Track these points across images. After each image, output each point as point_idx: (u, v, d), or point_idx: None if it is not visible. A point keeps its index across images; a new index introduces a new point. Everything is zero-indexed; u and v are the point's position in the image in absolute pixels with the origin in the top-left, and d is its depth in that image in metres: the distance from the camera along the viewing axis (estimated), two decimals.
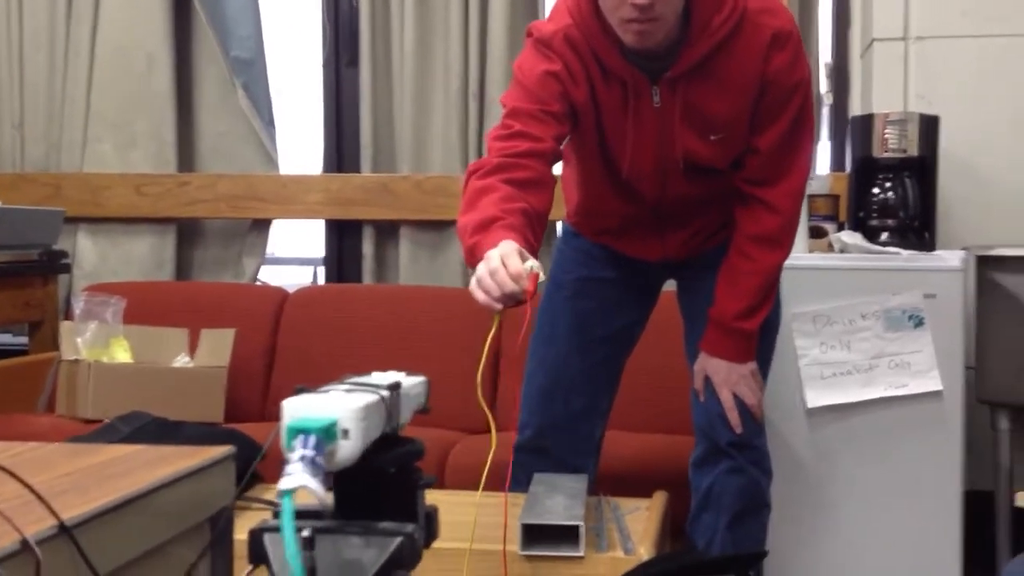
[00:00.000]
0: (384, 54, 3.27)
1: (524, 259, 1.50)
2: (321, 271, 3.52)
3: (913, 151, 2.54)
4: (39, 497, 0.81)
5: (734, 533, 1.91)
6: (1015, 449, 2.57)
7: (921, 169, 2.56)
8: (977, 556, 2.47)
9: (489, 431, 1.52)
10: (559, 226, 2.46)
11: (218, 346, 2.78)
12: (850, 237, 2.50)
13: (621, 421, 2.15)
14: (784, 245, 1.91)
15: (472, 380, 2.82)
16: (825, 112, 3.17)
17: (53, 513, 0.80)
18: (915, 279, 2.34)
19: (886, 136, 2.55)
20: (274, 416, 1.54)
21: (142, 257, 3.34)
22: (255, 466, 1.03)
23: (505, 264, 1.48)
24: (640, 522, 1.79)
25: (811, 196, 2.54)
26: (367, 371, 1.09)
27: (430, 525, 0.99)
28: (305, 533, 0.83)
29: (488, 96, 3.17)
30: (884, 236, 2.53)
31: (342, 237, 3.38)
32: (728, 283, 1.91)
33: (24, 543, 0.75)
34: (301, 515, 0.93)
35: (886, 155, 2.55)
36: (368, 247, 3.26)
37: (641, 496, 1.94)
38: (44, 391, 2.86)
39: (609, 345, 2.04)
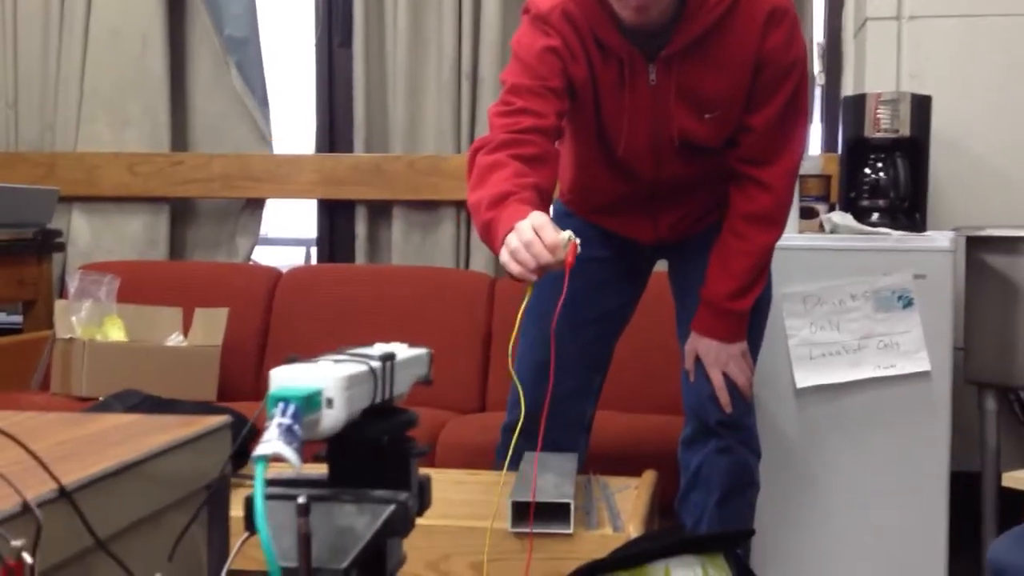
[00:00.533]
0: (377, 34, 3.27)
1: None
2: (315, 251, 3.53)
3: (905, 131, 2.54)
4: (39, 462, 0.82)
5: (722, 512, 1.92)
6: (1002, 430, 2.59)
7: (912, 149, 2.56)
8: (964, 536, 2.50)
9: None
10: (551, 206, 2.46)
11: (211, 325, 2.79)
12: (841, 218, 2.51)
13: (612, 401, 2.17)
14: (777, 224, 1.91)
15: (464, 360, 2.88)
16: (818, 92, 3.16)
17: (53, 477, 0.81)
18: (905, 260, 2.35)
19: (878, 116, 2.55)
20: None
21: (136, 236, 3.35)
22: (248, 444, 1.04)
23: (540, 236, 1.48)
24: (629, 500, 1.80)
25: (802, 177, 2.54)
26: (369, 344, 1.10)
27: (423, 494, 1.00)
28: (301, 500, 0.84)
29: (481, 76, 3.17)
30: (875, 217, 2.54)
31: (335, 217, 3.39)
32: (720, 263, 1.91)
33: (25, 506, 0.77)
34: (297, 483, 0.94)
35: (878, 135, 2.55)
36: (361, 227, 3.27)
37: (631, 475, 1.96)
38: (38, 369, 2.87)
39: (601, 325, 2.04)
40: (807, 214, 2.64)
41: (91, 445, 0.99)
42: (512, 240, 1.51)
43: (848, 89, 3.02)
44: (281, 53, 3.57)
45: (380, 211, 3.29)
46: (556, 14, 1.76)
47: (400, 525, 0.92)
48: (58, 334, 2.74)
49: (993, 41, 2.80)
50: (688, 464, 1.96)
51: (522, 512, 1.63)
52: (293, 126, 3.59)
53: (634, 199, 1.95)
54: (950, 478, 2.34)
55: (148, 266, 3.21)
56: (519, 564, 1.62)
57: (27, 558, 0.75)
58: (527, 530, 1.63)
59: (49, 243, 3.15)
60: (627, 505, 1.77)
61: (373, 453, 0.95)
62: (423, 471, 1.04)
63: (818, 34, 3.17)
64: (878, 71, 2.84)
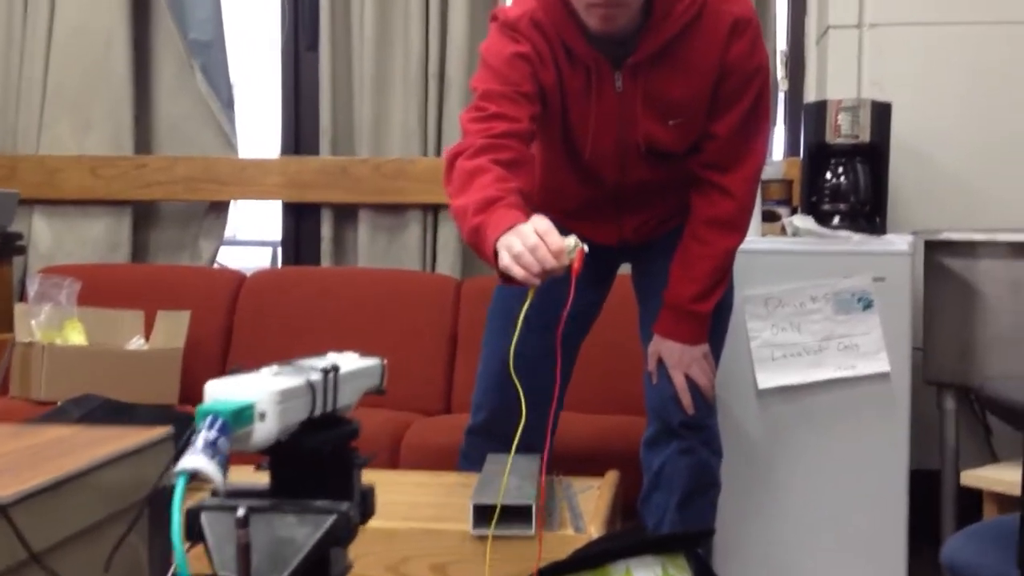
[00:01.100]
0: (344, 38, 3.26)
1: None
2: (280, 253, 3.51)
3: (865, 137, 2.58)
4: None
5: (683, 512, 1.93)
6: (961, 429, 2.63)
7: (873, 155, 2.60)
8: (923, 533, 2.52)
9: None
10: None
11: (173, 328, 2.77)
12: (802, 221, 2.54)
13: (575, 402, 2.17)
14: (739, 229, 1.93)
15: (429, 361, 2.88)
16: (781, 98, 3.20)
17: None
18: (865, 262, 2.38)
19: (838, 122, 2.58)
20: None
21: (98, 239, 3.32)
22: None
23: (545, 240, 1.48)
24: (591, 501, 1.81)
25: (765, 181, 2.57)
26: (322, 353, 1.10)
27: (366, 503, 1.00)
28: (240, 512, 0.84)
29: (448, 77, 3.17)
30: (836, 220, 2.57)
31: (300, 219, 3.37)
32: (682, 266, 1.93)
33: None
34: (240, 494, 0.95)
35: (838, 141, 2.59)
36: (327, 229, 3.26)
37: (594, 475, 1.96)
38: None
39: (566, 326, 2.05)
40: (769, 217, 2.66)
41: (29, 458, 0.99)
42: (515, 244, 1.50)
43: (811, 95, 3.05)
44: (247, 56, 3.56)
45: (346, 214, 3.28)
46: (525, 21, 1.77)
47: (342, 535, 0.93)
48: (18, 338, 2.71)
49: (952, 49, 2.85)
50: (650, 465, 1.97)
51: (484, 514, 1.64)
52: (259, 129, 3.58)
53: (599, 203, 1.97)
54: (910, 477, 2.37)
55: (110, 269, 3.18)
56: (480, 566, 1.62)
57: None
58: (488, 532, 1.63)
59: (9, 246, 3.11)
60: (589, 506, 1.78)
61: (315, 464, 0.96)
62: (382, 474, 1.04)
63: (781, 41, 3.21)
64: (840, 78, 2.88)
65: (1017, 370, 2.37)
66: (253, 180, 3.26)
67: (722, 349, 2.04)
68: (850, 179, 2.59)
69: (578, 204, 1.98)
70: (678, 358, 1.93)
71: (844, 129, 2.58)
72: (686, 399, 1.93)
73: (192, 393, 2.78)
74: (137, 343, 2.77)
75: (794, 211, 2.71)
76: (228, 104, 3.35)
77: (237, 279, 3.11)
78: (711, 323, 1.96)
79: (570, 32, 1.77)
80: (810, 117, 2.66)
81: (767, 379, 2.39)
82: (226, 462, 0.82)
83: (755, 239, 2.40)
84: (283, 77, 3.41)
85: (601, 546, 1.60)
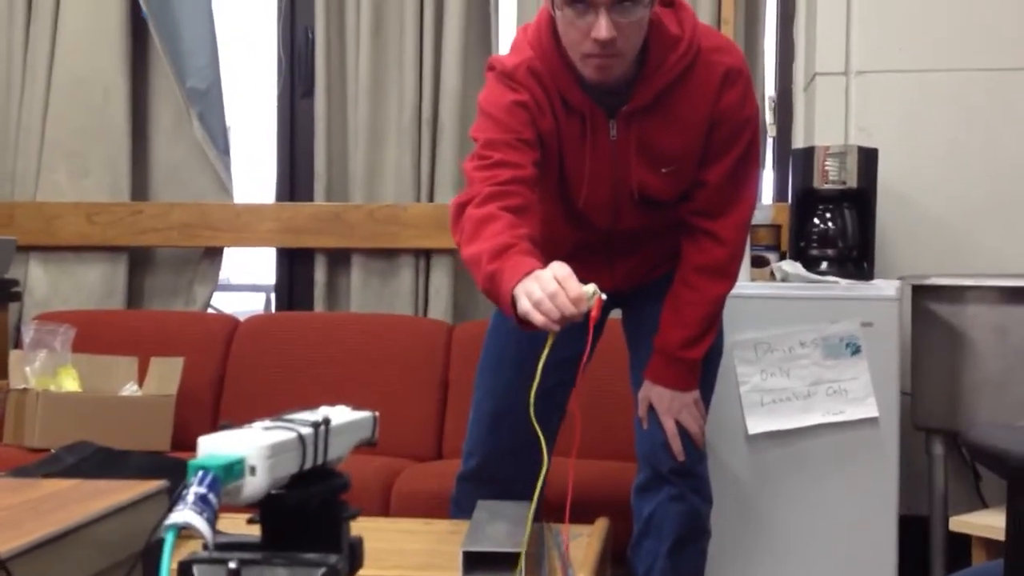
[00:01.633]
0: (339, 86, 3.31)
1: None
2: (274, 297, 3.53)
3: (852, 183, 2.60)
4: None
5: (674, 560, 1.93)
6: (949, 474, 2.63)
7: (860, 200, 2.63)
8: None
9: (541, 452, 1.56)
10: None
11: (166, 375, 2.78)
12: (791, 266, 2.56)
13: (566, 447, 2.18)
14: (729, 276, 1.95)
15: (421, 407, 2.88)
16: (769, 144, 3.23)
17: None
18: (853, 308, 2.40)
19: (826, 168, 2.62)
20: None
21: (93, 285, 3.34)
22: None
23: (564, 287, 1.50)
24: (581, 548, 1.81)
25: (754, 226, 2.58)
26: (315, 401, 1.12)
27: (354, 555, 1.02)
28: (231, 564, 0.86)
29: (441, 127, 3.21)
30: (824, 265, 2.59)
31: (294, 264, 3.40)
32: (673, 312, 1.94)
33: None
34: (231, 547, 0.96)
35: (826, 187, 2.62)
36: (320, 274, 3.28)
37: (584, 522, 1.96)
38: None
39: (557, 373, 2.06)
40: (758, 263, 2.69)
41: (29, 512, 1.01)
42: (535, 290, 1.52)
43: (799, 141, 3.09)
44: (243, 103, 3.61)
45: (339, 259, 3.31)
46: (522, 70, 1.80)
47: None
48: (12, 384, 2.72)
49: (938, 96, 2.88)
50: (641, 511, 1.97)
51: (474, 561, 1.64)
52: (254, 175, 3.61)
53: (590, 249, 1.99)
54: (899, 522, 2.37)
55: (105, 315, 3.20)
56: None
57: None
58: None
59: (5, 293, 3.13)
60: (579, 553, 1.78)
61: (304, 516, 0.98)
62: (372, 521, 1.06)
63: (770, 88, 3.25)
64: (827, 124, 2.91)
65: (1004, 415, 2.38)
66: (248, 226, 3.29)
67: (712, 395, 2.05)
68: (838, 224, 2.62)
69: (570, 250, 1.99)
70: (668, 404, 1.94)
71: (831, 175, 2.62)
72: (676, 446, 1.94)
73: (185, 439, 2.78)
74: (131, 389, 2.78)
75: (782, 256, 2.74)
76: (224, 151, 3.39)
77: (230, 324, 3.13)
78: (701, 369, 1.97)
79: (565, 81, 1.79)
80: (798, 163, 2.69)
81: (756, 424, 2.40)
82: (215, 516, 0.84)
83: (744, 284, 2.42)
84: (279, 124, 3.45)
85: None
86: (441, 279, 3.20)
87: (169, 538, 0.80)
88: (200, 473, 0.85)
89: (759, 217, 2.67)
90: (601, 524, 1.96)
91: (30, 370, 2.72)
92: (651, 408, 1.96)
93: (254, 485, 0.89)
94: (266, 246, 3.37)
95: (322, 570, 0.93)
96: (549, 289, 1.50)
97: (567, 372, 2.07)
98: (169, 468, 2.02)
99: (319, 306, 3.27)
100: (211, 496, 0.83)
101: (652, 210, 1.90)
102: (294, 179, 3.43)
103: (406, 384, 2.87)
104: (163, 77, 3.37)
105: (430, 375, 2.92)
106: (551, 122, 1.80)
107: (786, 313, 2.42)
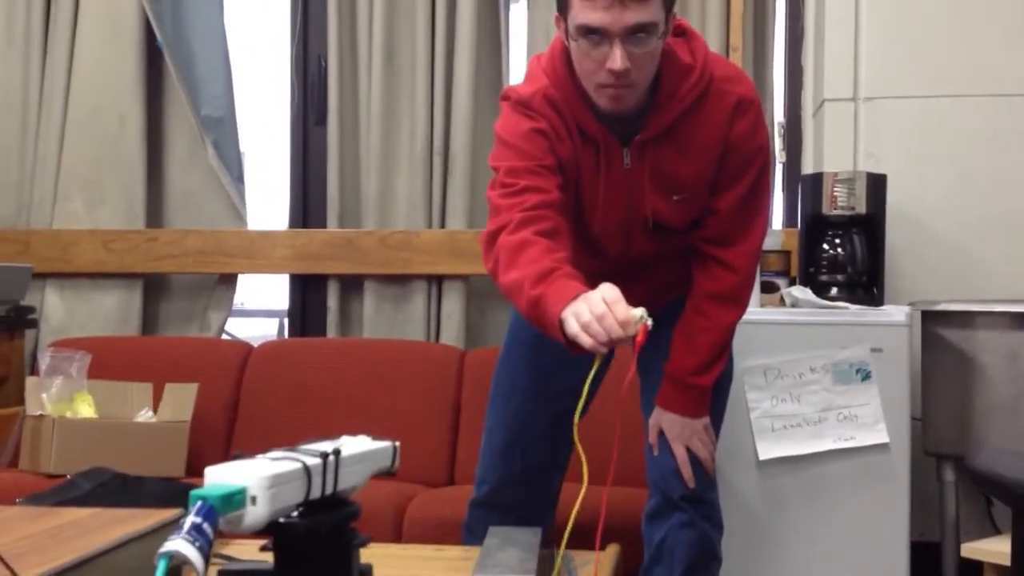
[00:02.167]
0: (351, 114, 3.35)
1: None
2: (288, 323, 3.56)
3: (861, 209, 2.62)
4: (1, 559, 0.85)
5: None
6: (960, 500, 2.62)
7: (869, 226, 2.64)
8: None
9: (581, 477, 1.54)
10: None
11: (181, 401, 2.80)
12: (800, 292, 2.57)
13: (576, 474, 2.19)
14: (740, 303, 1.95)
15: (433, 432, 2.89)
16: (779, 170, 3.25)
17: (13, 573, 0.84)
18: (863, 333, 2.41)
19: (835, 194, 2.63)
20: None
21: (108, 312, 3.37)
22: None
23: (612, 309, 1.50)
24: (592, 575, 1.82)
25: (763, 252, 2.60)
26: (327, 426, 1.15)
27: None
28: None
29: (452, 156, 3.25)
30: (833, 291, 2.60)
31: (307, 290, 3.43)
32: (684, 339, 1.95)
33: None
34: (248, 572, 0.98)
35: (835, 212, 2.63)
36: (333, 300, 3.31)
37: (594, 548, 1.97)
38: (8, 446, 2.87)
39: (568, 400, 2.06)
40: (768, 288, 2.70)
41: (51, 540, 1.03)
42: (583, 312, 1.52)
43: (808, 167, 3.10)
44: (257, 130, 3.65)
45: (352, 285, 3.34)
46: (538, 99, 1.80)
47: None
48: (29, 411, 2.74)
49: (946, 121, 2.89)
50: (652, 538, 1.97)
51: None
52: (268, 202, 3.65)
53: (602, 275, 2.00)
54: (911, 548, 2.37)
55: (120, 342, 3.23)
56: None
57: None
58: None
59: (22, 320, 3.17)
60: None
61: (315, 544, 1.00)
62: (384, 548, 1.08)
63: (779, 114, 3.27)
64: (836, 150, 2.92)
65: (1015, 440, 2.38)
66: (261, 252, 3.32)
67: (722, 421, 2.05)
68: (847, 250, 2.63)
69: (582, 277, 2.02)
70: (679, 431, 1.94)
71: (840, 201, 2.63)
72: (687, 472, 1.94)
73: (199, 465, 2.79)
74: (146, 415, 2.81)
75: (792, 282, 2.74)
76: (238, 178, 3.42)
77: (244, 350, 3.15)
78: (712, 395, 1.98)
79: (580, 110, 1.80)
80: (807, 189, 2.71)
81: (767, 450, 2.40)
82: (209, 545, 0.86)
83: (754, 310, 2.42)
84: (292, 151, 3.49)
85: None
86: (453, 305, 3.22)
87: (161, 566, 0.82)
88: (199, 503, 0.87)
89: (769, 243, 2.68)
90: (611, 551, 1.96)
91: (46, 396, 2.75)
92: (662, 434, 1.96)
93: (255, 515, 0.92)
94: (280, 272, 3.40)
95: None
96: (597, 311, 1.51)
97: (573, 401, 2.08)
98: (183, 494, 2.03)
99: (332, 332, 3.29)
100: (206, 526, 0.86)
101: (664, 237, 1.91)
102: (307, 206, 3.46)
103: (418, 410, 2.88)
104: (178, 105, 3.41)
105: (442, 400, 2.93)
106: (570, 149, 1.81)
107: (796, 339, 2.42)
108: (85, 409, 2.77)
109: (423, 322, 3.24)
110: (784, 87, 3.30)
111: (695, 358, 1.93)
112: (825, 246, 2.65)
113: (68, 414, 2.73)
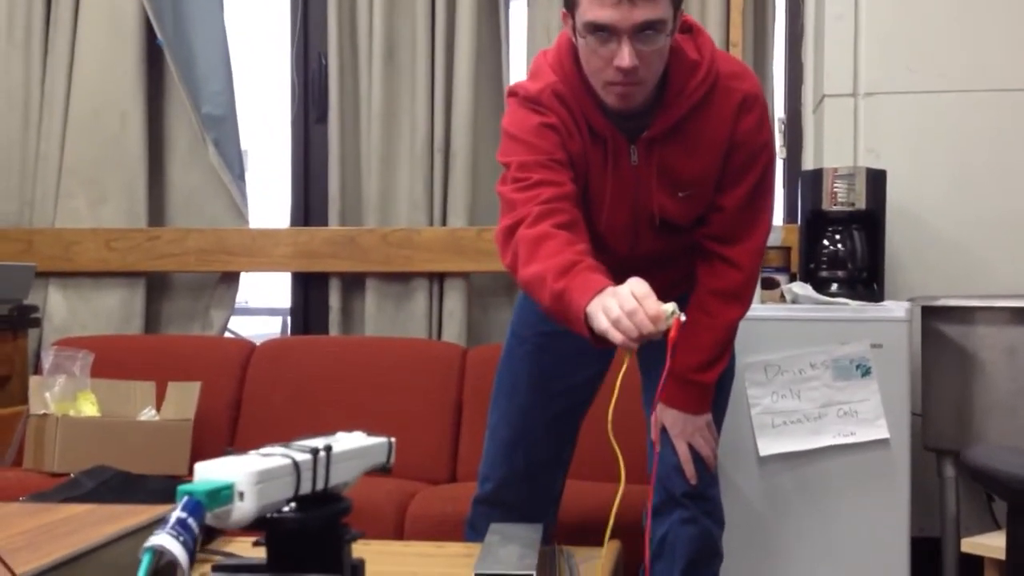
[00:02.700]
0: (352, 112, 3.35)
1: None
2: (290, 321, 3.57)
3: (861, 204, 2.61)
4: None
5: None
6: (961, 496, 2.62)
7: (869, 222, 2.64)
8: None
9: (618, 475, 1.51)
10: None
11: (184, 399, 2.81)
12: (801, 288, 2.57)
13: (577, 470, 2.20)
14: (744, 301, 1.95)
15: (435, 430, 2.90)
16: (779, 165, 3.25)
17: (8, 568, 0.85)
18: (863, 329, 2.41)
19: (835, 190, 2.63)
20: None
21: (111, 311, 3.38)
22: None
23: (642, 305, 1.48)
24: (593, 571, 1.83)
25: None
26: (330, 423, 1.15)
27: None
28: None
29: (453, 153, 3.25)
30: (833, 287, 2.60)
31: (309, 288, 3.43)
32: (687, 336, 1.95)
33: None
34: (241, 568, 0.99)
35: (835, 208, 2.63)
36: (335, 298, 3.31)
37: (596, 544, 1.98)
38: (12, 445, 2.88)
39: (570, 398, 2.07)
40: (768, 284, 2.70)
41: (46, 535, 1.04)
42: (613, 307, 1.49)
43: (809, 163, 3.10)
44: (258, 129, 3.65)
45: (353, 283, 3.34)
46: (547, 94, 1.80)
47: None
48: (32, 410, 2.75)
49: (946, 117, 2.89)
50: (653, 534, 1.98)
51: None
52: (269, 200, 3.65)
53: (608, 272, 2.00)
54: (911, 544, 2.37)
55: (123, 340, 3.24)
56: None
57: None
58: None
59: (25, 319, 3.18)
60: None
61: (307, 539, 1.01)
62: (386, 545, 1.09)
63: (779, 110, 3.27)
64: (836, 145, 2.92)
65: (1015, 436, 2.39)
66: (263, 251, 3.33)
67: (724, 418, 2.06)
68: (847, 246, 2.63)
69: None
70: (681, 427, 1.95)
71: (840, 197, 2.63)
72: (689, 469, 1.94)
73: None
74: (149, 414, 2.81)
75: (792, 278, 2.75)
76: (240, 176, 3.43)
77: (247, 348, 3.16)
78: (714, 392, 1.98)
79: (588, 106, 1.80)
80: (807, 185, 2.70)
81: (768, 446, 2.41)
82: (194, 540, 0.87)
83: (754, 306, 2.39)
84: (293, 149, 3.49)
85: None
86: (455, 302, 3.23)
87: (145, 560, 0.84)
88: (185, 498, 0.88)
89: (769, 239, 2.67)
90: (612, 547, 1.97)
91: (49, 395, 2.76)
92: (664, 431, 1.97)
93: (242, 510, 0.93)
94: (281, 270, 3.41)
95: None
96: (628, 307, 1.48)
97: (580, 395, 2.09)
98: None
99: (334, 330, 3.30)
100: (191, 521, 0.87)
101: (670, 235, 1.91)
102: (308, 204, 3.47)
103: (420, 407, 2.89)
104: (179, 104, 3.41)
105: (444, 398, 2.94)
106: (579, 145, 1.80)
107: (796, 335, 2.43)
108: (88, 408, 2.78)
109: (425, 320, 3.25)
110: (784, 83, 3.30)
111: (699, 355, 1.93)
112: (825, 242, 2.65)
113: (71, 413, 2.74)
